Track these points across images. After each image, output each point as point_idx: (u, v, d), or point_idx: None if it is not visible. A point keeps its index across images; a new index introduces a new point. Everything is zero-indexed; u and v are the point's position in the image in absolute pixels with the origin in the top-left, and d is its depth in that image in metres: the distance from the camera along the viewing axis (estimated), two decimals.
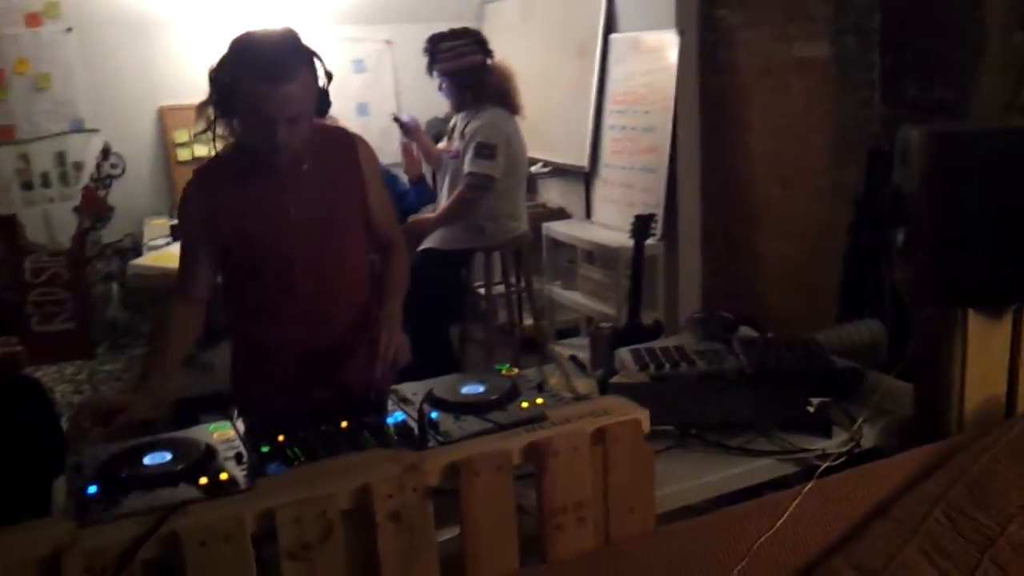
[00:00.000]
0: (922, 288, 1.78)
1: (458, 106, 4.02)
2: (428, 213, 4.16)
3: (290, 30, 1.95)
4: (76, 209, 5.21)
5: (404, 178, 4.75)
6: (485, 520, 1.39)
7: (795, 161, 3.77)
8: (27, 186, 5.06)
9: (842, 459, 1.83)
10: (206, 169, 2.11)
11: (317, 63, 1.95)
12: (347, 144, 2.16)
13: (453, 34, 3.92)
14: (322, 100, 2.00)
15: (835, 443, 1.88)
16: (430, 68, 3.95)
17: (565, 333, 4.96)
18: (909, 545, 1.45)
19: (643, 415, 1.52)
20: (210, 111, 1.97)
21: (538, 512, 1.46)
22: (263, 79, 1.85)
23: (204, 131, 2.01)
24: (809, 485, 1.62)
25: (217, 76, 1.93)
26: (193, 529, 1.23)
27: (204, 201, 2.04)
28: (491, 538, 1.41)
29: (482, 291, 4.36)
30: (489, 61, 3.96)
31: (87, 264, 5.30)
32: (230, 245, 2.05)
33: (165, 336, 2.06)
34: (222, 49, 1.95)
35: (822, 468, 1.69)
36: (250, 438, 1.74)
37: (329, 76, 2.00)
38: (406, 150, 4.37)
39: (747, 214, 4.06)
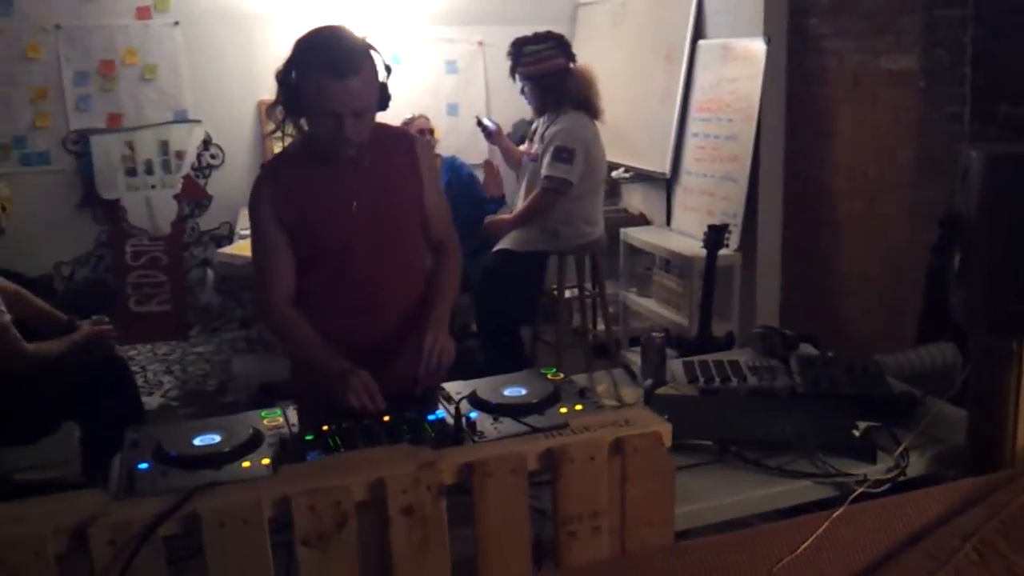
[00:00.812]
0: (975, 314, 1.72)
1: (540, 110, 4.05)
2: (505, 214, 4.21)
3: (346, 28, 2.01)
4: (176, 196, 5.43)
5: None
6: (497, 522, 1.42)
7: (881, 176, 3.66)
8: (131, 172, 5.30)
9: (886, 486, 1.78)
10: (273, 163, 2.20)
11: (376, 57, 2.01)
12: (406, 143, 2.21)
13: (536, 38, 3.94)
14: (383, 94, 2.06)
15: (879, 469, 1.83)
16: (513, 71, 3.99)
17: (639, 340, 4.92)
18: None
19: (665, 428, 1.51)
20: (279, 111, 2.05)
21: (552, 518, 1.47)
22: (329, 75, 1.92)
23: (274, 131, 2.09)
24: (840, 510, 1.59)
25: (284, 76, 2.01)
26: (213, 510, 1.29)
27: (271, 191, 2.12)
28: (503, 540, 1.43)
29: (556, 293, 4.38)
30: (572, 65, 3.97)
31: (184, 250, 5.54)
32: (293, 235, 2.12)
33: (301, 331, 2.09)
34: None
35: (855, 494, 1.65)
36: (302, 426, 1.82)
37: (388, 70, 2.05)
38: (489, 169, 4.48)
39: (829, 228, 3.96)
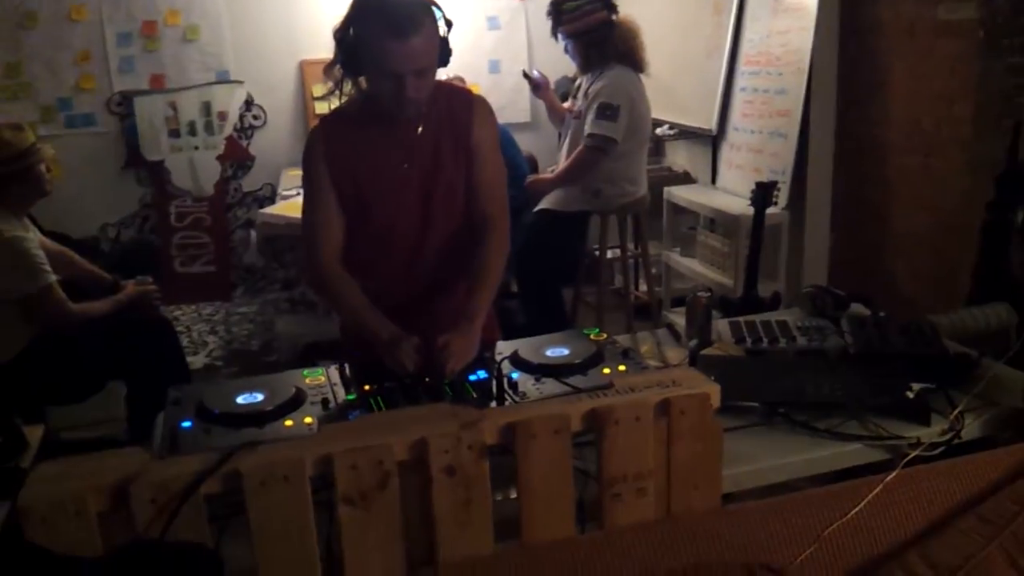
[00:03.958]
0: None
1: (584, 67, 3.96)
2: (547, 173, 4.15)
3: None
4: (219, 158, 5.45)
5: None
6: (540, 483, 1.39)
7: (937, 130, 3.54)
8: (174, 134, 5.33)
9: (940, 449, 1.73)
10: (329, 119, 2.13)
11: (437, 12, 1.95)
12: (464, 104, 2.11)
13: None
14: (443, 50, 2.00)
15: (933, 432, 1.78)
16: (555, 31, 3.91)
17: (681, 301, 4.86)
18: (991, 545, 1.36)
19: (713, 390, 1.47)
20: (336, 70, 2.00)
21: (597, 479, 1.45)
22: (390, 35, 1.85)
23: (332, 91, 2.05)
24: (892, 474, 1.54)
25: (342, 35, 1.95)
26: (255, 468, 1.28)
27: (325, 147, 2.08)
28: (546, 501, 1.41)
29: (597, 254, 4.33)
30: (614, 17, 3.88)
31: (228, 211, 5.57)
32: (342, 191, 2.09)
33: (349, 292, 2.05)
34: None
35: (908, 457, 1.60)
36: (347, 385, 1.81)
37: (449, 24, 1.98)
38: None
39: (881, 185, 3.85)
